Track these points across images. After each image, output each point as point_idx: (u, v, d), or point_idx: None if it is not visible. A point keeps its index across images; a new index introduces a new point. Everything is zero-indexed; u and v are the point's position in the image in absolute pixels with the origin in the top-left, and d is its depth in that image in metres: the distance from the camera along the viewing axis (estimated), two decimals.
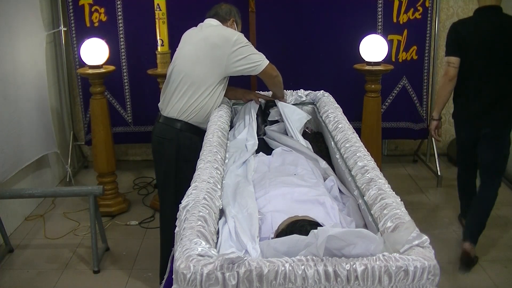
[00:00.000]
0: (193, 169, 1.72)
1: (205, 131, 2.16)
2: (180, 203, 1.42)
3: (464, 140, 3.00)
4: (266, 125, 2.52)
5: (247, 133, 2.31)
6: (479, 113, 2.82)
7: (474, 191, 3.07)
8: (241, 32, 2.53)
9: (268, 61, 2.42)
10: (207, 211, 1.36)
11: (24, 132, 3.46)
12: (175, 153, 2.47)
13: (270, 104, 2.59)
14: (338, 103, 2.51)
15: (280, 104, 2.52)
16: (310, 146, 2.27)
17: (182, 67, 2.45)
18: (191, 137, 2.47)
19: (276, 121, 2.53)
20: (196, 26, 2.56)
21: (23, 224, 3.49)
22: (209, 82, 2.41)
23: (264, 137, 2.39)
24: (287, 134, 2.39)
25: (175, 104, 2.46)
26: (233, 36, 2.38)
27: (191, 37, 2.51)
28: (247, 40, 2.42)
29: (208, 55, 2.38)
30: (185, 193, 1.48)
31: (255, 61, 2.39)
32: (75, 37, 4.01)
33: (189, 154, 2.43)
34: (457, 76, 2.81)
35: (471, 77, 2.80)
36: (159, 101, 2.61)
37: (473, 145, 2.93)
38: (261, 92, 2.71)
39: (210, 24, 2.51)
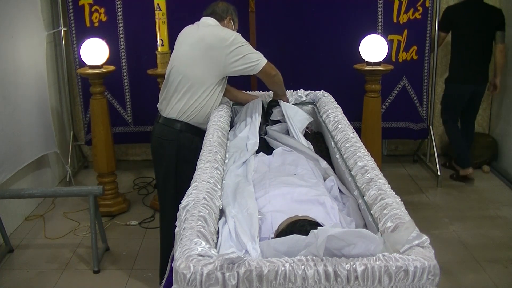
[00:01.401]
0: (193, 170, 1.72)
1: (206, 132, 2.16)
2: (180, 203, 1.42)
3: (460, 96, 3.98)
4: (267, 125, 2.51)
5: (249, 131, 2.30)
6: (469, 73, 3.91)
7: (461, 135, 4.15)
8: (239, 30, 2.53)
9: (267, 60, 2.42)
10: (207, 211, 1.36)
11: (24, 132, 3.46)
12: (175, 154, 2.47)
13: (272, 103, 2.59)
14: (338, 103, 2.51)
15: (283, 104, 2.52)
16: (311, 147, 2.26)
17: (181, 69, 2.44)
18: (191, 137, 2.47)
19: (278, 121, 2.53)
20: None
21: (23, 224, 3.49)
22: (208, 83, 2.41)
23: (265, 137, 2.39)
24: (288, 134, 2.39)
25: (174, 105, 2.46)
26: (230, 36, 2.37)
27: (188, 37, 2.49)
28: (245, 40, 2.41)
29: (205, 56, 2.38)
30: (185, 194, 1.48)
31: (253, 61, 2.38)
32: (75, 37, 4.01)
33: (189, 155, 2.43)
34: (452, 46, 4.01)
35: (460, 47, 3.92)
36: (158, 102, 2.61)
37: (463, 100, 3.99)
38: (262, 93, 2.71)
39: (207, 23, 2.50)
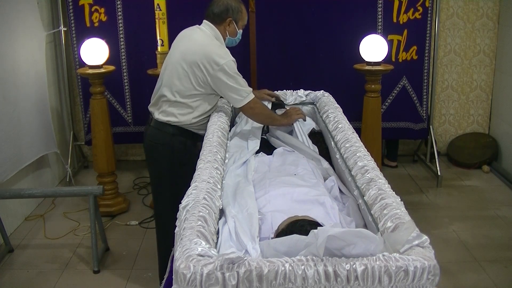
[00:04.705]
0: (188, 172, 1.71)
1: (200, 136, 2.13)
2: (175, 205, 1.42)
3: None
4: None
5: (250, 129, 2.30)
6: None
7: None
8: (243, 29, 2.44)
9: (253, 96, 2.29)
10: (207, 211, 1.36)
11: (24, 132, 3.45)
12: (169, 157, 2.42)
13: (276, 104, 2.59)
14: (338, 103, 2.51)
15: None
16: (316, 149, 2.26)
17: (170, 71, 2.35)
18: (184, 141, 2.40)
19: None
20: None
21: (23, 224, 3.48)
22: (191, 92, 2.32)
23: (266, 135, 2.40)
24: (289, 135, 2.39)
25: (164, 109, 2.40)
26: (221, 60, 2.21)
27: (181, 43, 2.38)
28: (236, 70, 2.26)
29: (190, 70, 2.27)
30: (180, 196, 1.47)
31: (238, 95, 2.26)
32: (75, 37, 4.01)
33: (183, 158, 2.39)
34: None
35: None
36: None
37: None
38: (267, 91, 2.69)
39: (203, 32, 2.35)
